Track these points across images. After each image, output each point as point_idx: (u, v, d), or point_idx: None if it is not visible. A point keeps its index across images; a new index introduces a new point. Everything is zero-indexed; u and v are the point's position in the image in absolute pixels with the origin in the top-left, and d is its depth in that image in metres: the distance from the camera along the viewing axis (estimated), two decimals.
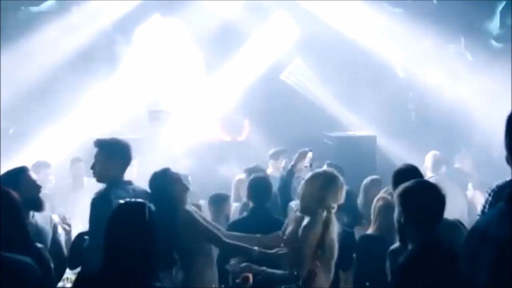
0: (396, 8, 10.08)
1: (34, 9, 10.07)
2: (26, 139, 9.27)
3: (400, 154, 9.58)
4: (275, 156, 8.16)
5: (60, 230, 5.01)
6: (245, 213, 5.70)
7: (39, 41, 9.61)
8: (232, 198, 6.74)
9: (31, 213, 4.57)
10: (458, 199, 7.01)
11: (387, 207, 4.69)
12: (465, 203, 7.39)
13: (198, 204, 5.72)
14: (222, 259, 4.88)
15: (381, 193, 5.11)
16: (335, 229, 4.36)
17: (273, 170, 7.89)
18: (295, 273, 4.17)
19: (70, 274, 5.00)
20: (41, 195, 4.72)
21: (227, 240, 4.74)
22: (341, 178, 4.54)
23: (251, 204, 5.59)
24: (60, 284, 5.06)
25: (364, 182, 6.44)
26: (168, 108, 9.80)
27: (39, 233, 4.47)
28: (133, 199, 3.24)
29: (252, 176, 5.78)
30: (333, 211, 4.35)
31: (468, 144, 9.47)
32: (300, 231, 4.38)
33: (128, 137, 9.25)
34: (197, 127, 9.85)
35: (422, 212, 3.24)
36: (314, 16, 10.23)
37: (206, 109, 10.16)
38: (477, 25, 10.12)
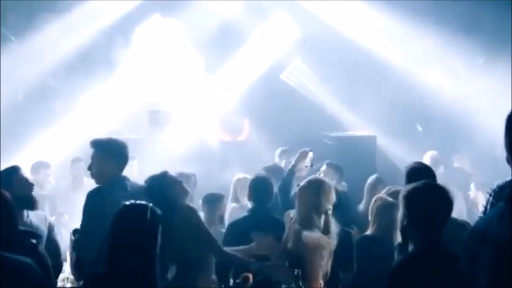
0: (396, 8, 10.05)
1: (34, 9, 10.06)
2: (26, 139, 9.27)
3: (400, 154, 9.59)
4: (285, 154, 8.15)
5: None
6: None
7: (39, 41, 9.60)
8: (230, 198, 6.73)
9: (26, 212, 4.57)
10: (456, 199, 7.00)
11: (385, 207, 4.70)
12: (464, 203, 7.39)
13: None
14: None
15: (380, 193, 5.11)
16: (334, 229, 4.46)
17: None
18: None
19: (70, 274, 5.00)
20: (39, 195, 4.73)
21: (226, 250, 4.73)
22: (326, 180, 4.75)
23: (251, 205, 5.60)
24: (60, 284, 5.06)
25: (369, 181, 6.44)
26: (168, 108, 9.80)
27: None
28: (137, 202, 3.22)
29: (253, 176, 5.81)
30: (330, 212, 4.50)
31: (469, 144, 9.46)
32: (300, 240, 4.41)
33: (128, 137, 9.33)
34: (197, 127, 9.85)
35: (426, 215, 3.17)
36: (314, 16, 10.23)
37: (206, 109, 10.15)
38: (477, 25, 10.11)
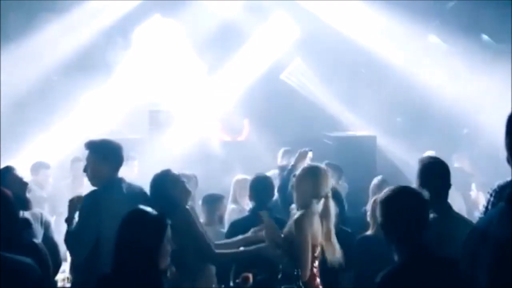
0: (396, 8, 10.06)
1: (34, 9, 10.06)
2: (26, 139, 9.27)
3: (400, 154, 9.59)
4: (287, 155, 8.16)
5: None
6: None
7: (39, 41, 9.61)
8: (230, 199, 6.73)
9: (21, 212, 4.57)
10: (454, 199, 7.00)
11: None
12: (463, 203, 7.39)
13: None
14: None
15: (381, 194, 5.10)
16: (334, 212, 4.52)
17: None
18: (295, 273, 4.17)
19: (70, 274, 5.00)
20: (38, 197, 4.74)
21: (216, 252, 4.72)
22: (321, 165, 4.73)
23: (251, 204, 5.60)
24: (60, 284, 5.07)
25: (374, 182, 6.43)
26: (169, 109, 9.80)
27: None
28: (146, 208, 3.23)
29: (253, 176, 5.82)
30: (330, 195, 4.52)
31: (469, 144, 9.47)
32: (293, 223, 4.44)
33: (128, 137, 9.38)
34: (197, 127, 9.84)
35: (404, 222, 3.05)
36: (314, 16, 10.23)
37: (206, 109, 10.15)
38: (477, 26, 10.11)
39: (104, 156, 4.63)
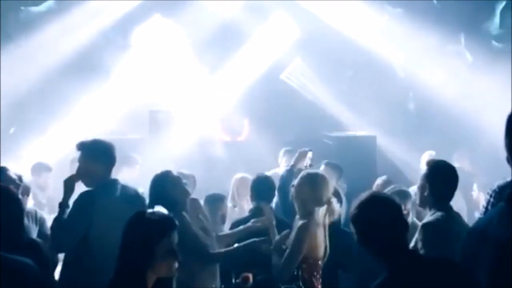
0: (396, 8, 10.07)
1: (34, 9, 10.06)
2: (26, 139, 9.27)
3: (400, 154, 9.59)
4: (288, 154, 8.16)
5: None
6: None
7: (39, 41, 9.60)
8: (229, 198, 6.73)
9: None
10: (456, 199, 7.00)
11: None
12: (464, 203, 7.39)
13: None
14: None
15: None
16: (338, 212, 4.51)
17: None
18: (295, 273, 4.17)
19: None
20: (38, 203, 4.75)
21: (212, 252, 4.72)
22: (318, 171, 4.76)
23: (252, 205, 5.60)
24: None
25: (378, 182, 6.43)
26: (168, 109, 9.80)
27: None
28: (153, 210, 3.20)
29: (255, 176, 5.82)
30: (333, 200, 4.45)
31: (469, 144, 9.46)
32: (294, 235, 4.41)
33: (128, 137, 9.38)
34: (197, 127, 9.84)
35: (382, 231, 2.91)
36: (314, 16, 10.23)
37: (206, 109, 10.15)
38: (477, 25, 10.11)
39: (95, 156, 4.61)
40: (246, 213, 5.82)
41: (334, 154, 8.27)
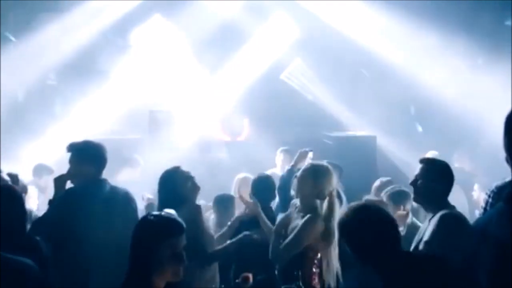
0: (396, 8, 10.05)
1: (34, 9, 10.06)
2: (26, 139, 9.27)
3: (400, 154, 9.58)
4: (285, 154, 8.16)
5: None
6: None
7: (39, 41, 9.60)
8: None
9: None
10: (459, 199, 7.00)
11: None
12: (466, 202, 7.39)
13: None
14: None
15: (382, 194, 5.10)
16: (338, 210, 4.43)
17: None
18: (295, 273, 4.17)
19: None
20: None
21: (209, 252, 4.71)
22: (322, 163, 4.67)
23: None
24: None
25: (376, 183, 6.42)
26: (168, 108, 9.80)
27: None
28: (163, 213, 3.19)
29: (255, 176, 5.82)
30: (334, 193, 4.44)
31: (469, 144, 9.46)
32: (300, 223, 4.41)
33: (128, 137, 9.38)
34: (197, 127, 9.84)
35: (370, 243, 2.92)
36: (314, 16, 10.23)
37: (206, 109, 10.15)
38: (477, 25, 10.10)
39: (84, 157, 4.62)
40: None
41: (334, 154, 8.27)
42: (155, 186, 4.86)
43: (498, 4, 9.78)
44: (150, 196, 6.13)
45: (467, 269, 2.40)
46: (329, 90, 10.49)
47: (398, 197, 5.49)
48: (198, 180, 6.33)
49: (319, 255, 4.40)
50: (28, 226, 4.91)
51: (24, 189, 5.32)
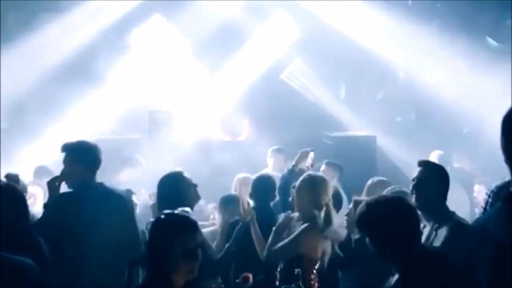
0: (396, 8, 10.05)
1: (34, 9, 10.06)
2: (26, 139, 9.27)
3: (400, 154, 9.58)
4: (275, 153, 8.14)
5: None
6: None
7: (39, 41, 9.60)
8: None
9: None
10: (461, 198, 7.00)
11: None
12: (468, 202, 7.39)
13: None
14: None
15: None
16: (335, 217, 4.56)
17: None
18: (295, 273, 4.17)
19: None
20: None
21: (214, 260, 4.72)
22: (319, 174, 4.80)
23: (252, 203, 5.60)
24: None
25: (369, 182, 6.40)
26: (168, 108, 9.80)
27: None
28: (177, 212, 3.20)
29: (256, 175, 5.82)
30: (330, 203, 4.54)
31: (469, 144, 9.46)
32: (298, 230, 4.46)
33: (128, 137, 9.38)
34: (197, 127, 9.84)
35: (395, 233, 2.89)
36: (314, 16, 10.23)
37: (206, 109, 10.16)
38: (477, 25, 10.11)
39: (76, 158, 4.58)
40: None
41: (334, 154, 8.27)
42: (155, 186, 4.85)
43: (498, 4, 9.77)
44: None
45: (467, 269, 2.40)
46: (329, 90, 10.50)
47: None
48: (198, 180, 6.34)
49: (317, 264, 4.44)
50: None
51: (25, 190, 5.32)
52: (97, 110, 9.82)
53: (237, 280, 4.37)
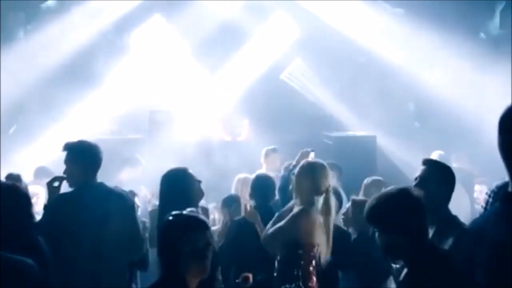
0: (396, 8, 10.06)
1: (34, 9, 10.06)
2: (26, 139, 9.27)
3: (400, 154, 9.58)
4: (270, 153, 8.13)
5: None
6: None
7: (39, 41, 9.60)
8: None
9: None
10: (462, 198, 7.00)
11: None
12: (468, 202, 7.39)
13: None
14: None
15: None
16: (334, 208, 4.57)
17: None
18: (295, 273, 4.18)
19: None
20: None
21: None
22: (318, 160, 4.79)
23: (252, 203, 5.61)
24: None
25: (365, 182, 6.42)
26: (169, 108, 9.81)
27: None
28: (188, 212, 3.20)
29: (255, 175, 5.82)
30: (330, 189, 4.53)
31: (469, 144, 9.45)
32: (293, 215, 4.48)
33: (128, 137, 9.38)
34: (197, 127, 9.85)
35: (406, 225, 2.89)
36: (314, 16, 10.23)
37: (207, 109, 10.16)
38: (477, 25, 10.11)
39: (77, 157, 4.58)
40: None
41: (334, 154, 8.27)
42: (155, 186, 4.84)
43: (498, 4, 9.78)
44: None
45: (466, 269, 2.40)
46: (329, 90, 10.50)
47: None
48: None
49: (316, 252, 4.41)
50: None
51: (26, 189, 5.31)
52: (97, 110, 9.82)
53: (237, 280, 4.38)
